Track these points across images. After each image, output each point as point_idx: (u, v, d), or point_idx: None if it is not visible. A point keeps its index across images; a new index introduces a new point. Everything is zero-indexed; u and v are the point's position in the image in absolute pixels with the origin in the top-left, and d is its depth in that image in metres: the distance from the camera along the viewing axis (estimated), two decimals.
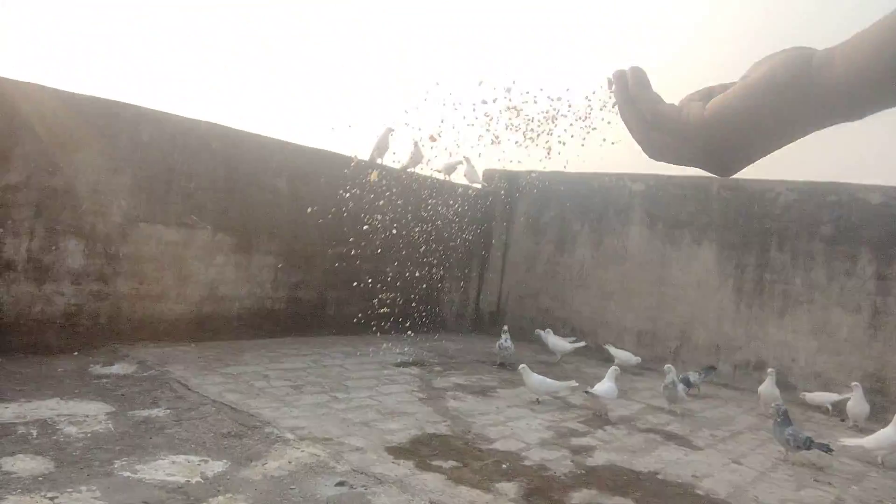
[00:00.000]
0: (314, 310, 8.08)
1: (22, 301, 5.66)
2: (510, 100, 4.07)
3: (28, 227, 5.66)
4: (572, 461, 4.52)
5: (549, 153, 4.62)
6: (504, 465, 4.27)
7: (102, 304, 6.16)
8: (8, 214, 5.56)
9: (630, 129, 0.85)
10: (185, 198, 6.76)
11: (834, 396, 6.94)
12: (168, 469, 3.63)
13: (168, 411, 4.57)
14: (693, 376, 7.16)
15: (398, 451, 4.29)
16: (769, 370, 6.78)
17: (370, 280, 8.80)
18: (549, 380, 6.09)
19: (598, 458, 4.65)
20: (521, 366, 6.11)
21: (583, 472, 4.34)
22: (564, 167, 7.06)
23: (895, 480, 4.97)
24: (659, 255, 9.06)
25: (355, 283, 8.59)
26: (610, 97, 0.92)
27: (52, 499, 3.12)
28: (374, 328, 8.69)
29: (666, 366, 6.30)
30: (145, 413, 4.50)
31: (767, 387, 6.59)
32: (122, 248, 6.30)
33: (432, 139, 5.87)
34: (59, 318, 5.87)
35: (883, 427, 5.33)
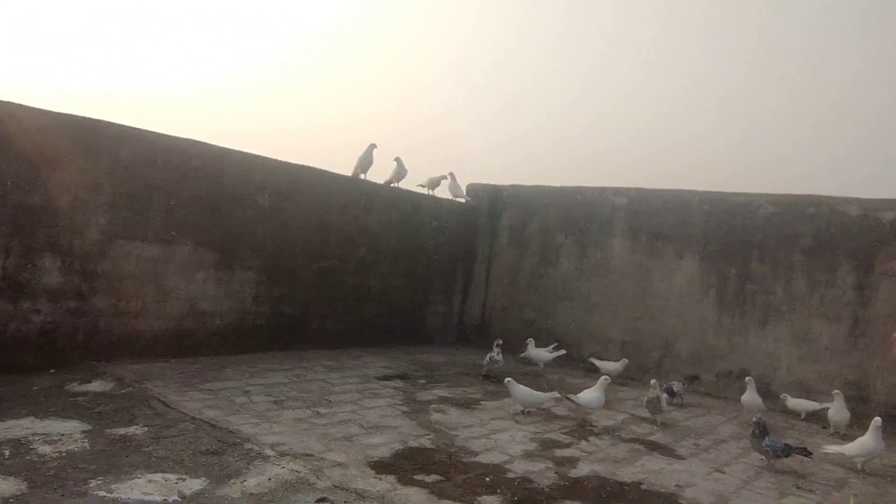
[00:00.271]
0: (297, 324, 8.02)
1: None
2: None
3: (4, 245, 5.58)
4: (556, 473, 4.50)
5: None
6: (487, 479, 4.23)
7: (80, 322, 6.08)
8: None
9: None
10: (166, 214, 6.71)
11: (814, 405, 6.99)
12: (145, 488, 3.56)
13: (146, 429, 4.50)
14: (676, 386, 7.19)
15: (380, 466, 4.24)
16: (747, 378, 6.86)
17: (354, 295, 8.77)
18: (535, 391, 6.08)
19: (582, 469, 4.63)
20: (507, 379, 6.10)
21: (566, 483, 4.32)
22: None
23: (875, 487, 4.99)
24: (642, 268, 9.11)
25: (339, 298, 8.55)
26: None
27: None
28: (358, 342, 8.65)
29: (652, 381, 6.33)
30: (122, 431, 4.42)
31: (749, 395, 6.69)
32: (101, 264, 6.23)
33: None
34: (36, 335, 5.77)
35: (863, 434, 5.36)
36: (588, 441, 5.41)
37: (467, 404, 6.26)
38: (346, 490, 3.74)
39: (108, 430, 4.41)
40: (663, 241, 8.97)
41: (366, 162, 9.11)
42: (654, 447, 5.44)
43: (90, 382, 5.47)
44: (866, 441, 5.23)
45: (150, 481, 3.65)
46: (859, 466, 5.31)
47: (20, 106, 5.71)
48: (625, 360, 8.17)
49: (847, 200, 7.74)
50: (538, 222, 10.22)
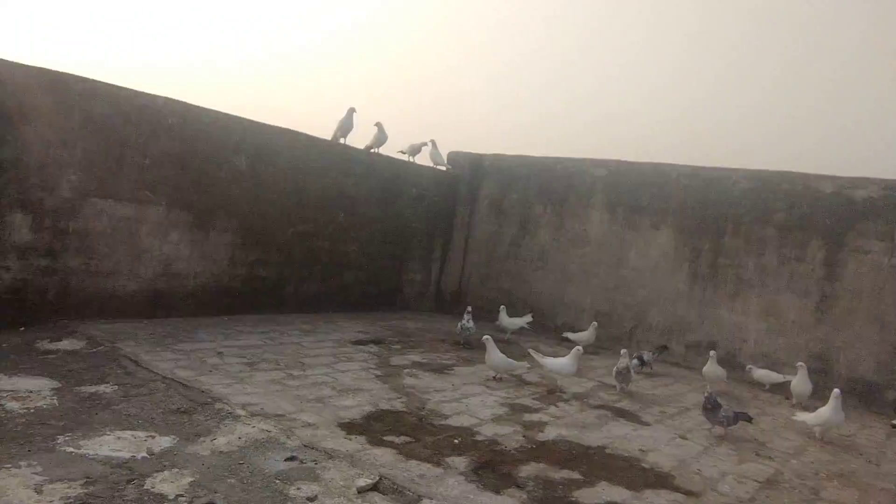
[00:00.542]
0: (273, 288, 8.00)
1: None
2: None
3: None
4: (524, 436, 4.60)
5: None
6: (456, 440, 4.31)
7: (51, 280, 6.01)
8: None
9: None
10: (140, 173, 6.60)
11: (778, 377, 7.16)
12: (113, 444, 3.58)
13: (116, 387, 4.49)
14: (647, 355, 7.33)
15: (351, 427, 4.30)
16: (711, 353, 7.01)
17: (331, 259, 8.75)
18: (508, 358, 6.14)
19: (549, 433, 4.74)
20: (486, 336, 6.14)
21: (533, 446, 4.42)
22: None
23: (831, 455, 5.17)
24: (618, 239, 9.19)
25: (316, 262, 8.54)
26: None
27: None
28: (334, 307, 8.66)
29: (622, 350, 6.44)
30: (92, 389, 4.42)
31: (710, 367, 6.87)
32: (72, 222, 6.14)
33: None
34: (5, 292, 5.70)
35: (824, 405, 5.53)
36: (557, 406, 5.52)
37: (440, 369, 6.33)
38: (316, 449, 3.79)
39: (77, 388, 4.40)
40: (640, 214, 9.04)
41: (346, 126, 9.00)
42: (620, 413, 5.57)
43: (61, 340, 5.44)
44: (824, 411, 5.40)
45: (119, 438, 3.66)
46: (818, 435, 5.48)
47: None
48: (594, 324, 8.21)
49: (821, 178, 7.84)
50: (518, 192, 10.23)
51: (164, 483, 3.18)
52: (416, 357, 6.73)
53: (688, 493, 3.96)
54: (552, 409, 5.44)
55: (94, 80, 6.24)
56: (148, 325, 6.36)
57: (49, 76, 5.92)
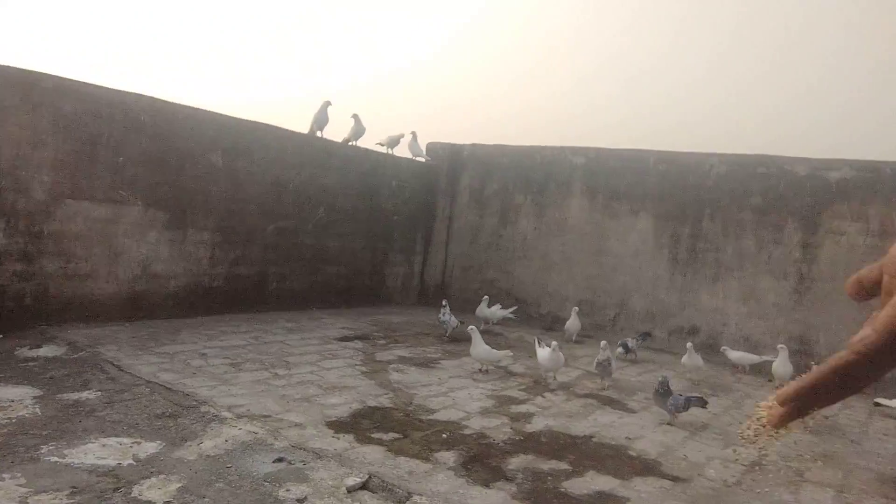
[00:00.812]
0: (254, 286, 7.93)
1: None
2: None
3: None
4: (511, 428, 4.62)
5: None
6: (444, 435, 4.32)
7: (27, 285, 5.89)
8: None
9: None
10: (114, 172, 6.48)
11: (754, 358, 7.26)
12: (98, 452, 3.53)
13: (99, 393, 4.43)
14: (630, 342, 7.40)
15: (338, 426, 4.28)
16: (688, 344, 6.76)
17: (312, 255, 8.70)
18: (492, 349, 6.16)
19: (537, 424, 4.77)
20: (471, 327, 6.14)
21: (521, 438, 4.44)
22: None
23: (816, 436, 5.27)
24: (598, 227, 9.25)
25: (297, 259, 8.48)
26: None
27: None
28: (318, 303, 8.62)
29: (602, 342, 6.23)
30: (75, 396, 4.35)
31: (688, 358, 6.66)
32: (47, 225, 6.01)
33: None
34: None
35: None
36: (543, 397, 5.55)
37: (426, 363, 6.34)
38: (304, 450, 3.77)
39: (59, 396, 4.33)
40: (619, 201, 9.09)
41: (321, 120, 8.93)
42: (606, 402, 5.62)
43: (40, 347, 5.34)
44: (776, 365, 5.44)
45: (104, 446, 3.61)
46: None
47: None
48: (575, 309, 8.17)
49: (796, 160, 7.94)
50: (498, 182, 10.23)
51: (152, 490, 3.14)
52: (401, 352, 6.73)
53: (675, 479, 4.01)
54: (539, 399, 5.47)
55: (62, 77, 6.10)
56: (129, 328, 6.27)
57: (16, 74, 5.77)
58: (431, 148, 10.75)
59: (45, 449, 3.51)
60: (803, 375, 0.76)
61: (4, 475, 3.16)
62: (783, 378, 6.76)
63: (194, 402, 4.36)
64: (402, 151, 10.25)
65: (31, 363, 5.00)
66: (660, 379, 5.21)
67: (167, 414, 4.15)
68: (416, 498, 3.30)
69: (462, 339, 7.10)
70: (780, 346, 6.82)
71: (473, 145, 10.70)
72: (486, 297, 8.58)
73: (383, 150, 10.04)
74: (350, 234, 9.27)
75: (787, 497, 3.93)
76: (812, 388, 0.73)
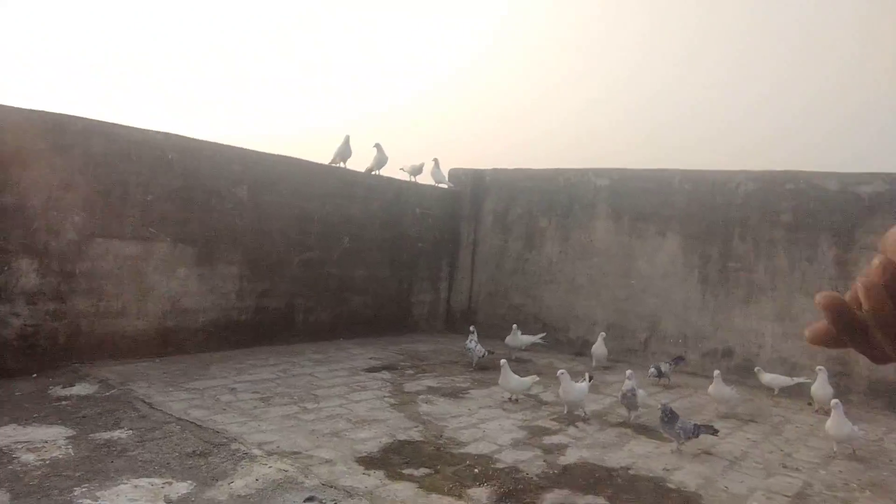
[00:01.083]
0: (282, 318, 7.96)
1: None
2: None
3: None
4: (545, 461, 4.52)
5: None
6: (476, 470, 4.24)
7: (60, 324, 5.98)
8: None
9: None
10: (143, 210, 6.59)
11: (787, 380, 7.03)
12: (130, 494, 3.53)
13: (130, 432, 4.45)
14: (664, 367, 7.24)
15: (369, 462, 4.23)
16: (716, 372, 6.41)
17: (338, 286, 8.72)
18: (519, 378, 6.05)
19: (571, 457, 4.66)
20: (503, 361, 6.06)
21: (555, 471, 4.34)
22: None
23: (862, 463, 5.07)
24: (625, 249, 9.13)
25: (323, 290, 8.50)
26: None
27: None
28: (345, 334, 8.61)
29: (627, 371, 5.98)
30: (107, 435, 4.37)
31: (716, 387, 6.26)
32: (78, 265, 6.12)
33: None
34: (15, 339, 5.68)
35: (846, 409, 5.38)
36: (576, 427, 5.44)
37: (455, 394, 6.26)
38: (335, 488, 3.73)
39: (92, 435, 4.35)
40: (646, 222, 8.98)
41: (344, 153, 9.02)
42: (641, 430, 5.48)
43: (73, 386, 5.40)
44: (830, 424, 5.12)
45: (135, 487, 3.61)
46: (835, 448, 5.24)
47: None
48: (602, 334, 8.00)
49: (826, 175, 7.78)
50: (521, 206, 10.19)
51: None
52: (430, 382, 6.67)
53: None
54: (571, 429, 5.36)
55: (90, 119, 6.25)
56: (159, 363, 6.32)
57: (45, 118, 5.92)
58: (454, 174, 10.77)
59: (77, 491, 3.52)
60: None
61: None
62: (823, 401, 6.54)
63: (225, 440, 4.35)
64: (424, 179, 10.30)
65: (63, 402, 5.04)
66: (660, 406, 5.01)
67: (198, 452, 4.14)
68: None
69: (490, 368, 7.03)
70: (819, 368, 6.61)
71: (495, 170, 10.69)
72: (515, 325, 8.33)
73: (406, 176, 10.09)
74: (375, 263, 9.28)
75: None
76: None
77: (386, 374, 6.81)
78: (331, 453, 4.30)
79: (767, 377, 7.11)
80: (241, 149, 7.57)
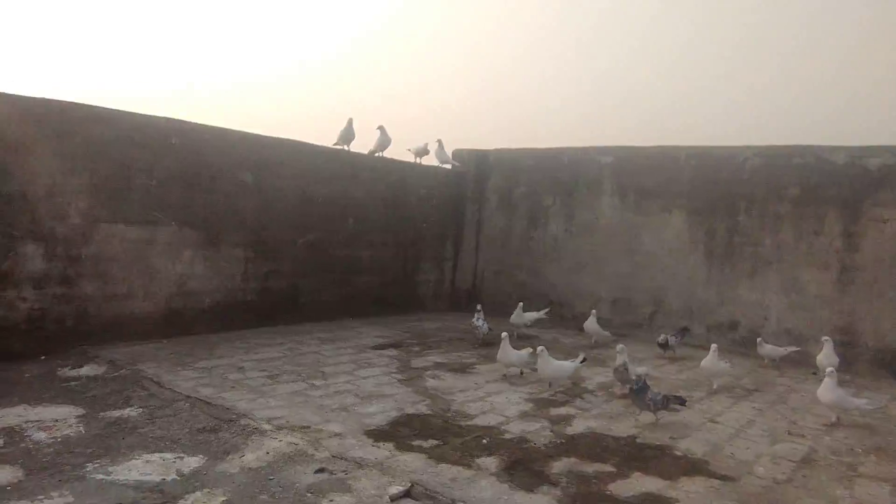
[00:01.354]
0: (287, 299, 7.99)
1: None
2: None
3: None
4: (552, 431, 4.55)
5: None
6: (485, 440, 4.27)
7: (68, 307, 6.02)
8: None
9: None
10: (146, 195, 6.60)
11: (781, 350, 7.09)
12: (142, 469, 3.57)
13: (140, 410, 4.49)
14: (671, 339, 7.25)
15: (378, 435, 4.26)
16: (713, 346, 6.24)
17: (344, 266, 8.74)
18: (517, 352, 5.97)
19: (578, 427, 4.68)
20: (504, 333, 5.99)
21: (562, 441, 4.37)
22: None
23: (866, 429, 5.08)
24: (630, 225, 9.11)
25: (329, 270, 8.52)
26: None
27: None
28: (350, 314, 8.65)
29: (618, 346, 5.86)
30: (117, 413, 4.42)
31: (709, 360, 6.10)
32: (84, 249, 6.14)
33: None
34: (23, 323, 5.72)
35: (851, 378, 5.40)
36: (583, 398, 5.46)
37: (462, 369, 6.29)
38: (345, 459, 3.76)
39: (102, 414, 4.40)
40: (651, 199, 8.95)
41: (347, 136, 8.99)
42: None
43: (82, 367, 5.44)
44: (820, 391, 5.16)
45: (147, 462, 3.65)
46: (833, 419, 5.21)
47: None
48: (593, 311, 7.94)
49: (833, 149, 7.72)
50: (525, 185, 10.17)
51: None
52: (436, 358, 6.70)
53: (724, 477, 3.89)
54: (578, 401, 5.39)
55: (92, 106, 6.24)
56: (167, 345, 6.36)
57: (47, 105, 5.92)
58: (457, 154, 10.73)
59: (90, 467, 3.56)
60: None
61: (53, 493, 3.21)
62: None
63: (234, 416, 4.39)
64: (428, 160, 10.27)
65: (73, 382, 5.09)
66: (634, 377, 4.97)
67: (208, 428, 4.18)
68: None
69: (495, 344, 6.99)
70: (824, 338, 6.62)
71: (499, 150, 10.66)
72: (520, 303, 8.30)
73: (413, 157, 10.04)
74: (380, 243, 9.29)
75: (841, 492, 3.79)
76: None
77: (392, 352, 6.84)
78: (340, 427, 4.33)
79: (767, 348, 7.11)
80: (244, 132, 7.56)
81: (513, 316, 8.01)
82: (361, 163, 9.10)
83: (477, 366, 6.46)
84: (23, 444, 3.81)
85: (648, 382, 4.95)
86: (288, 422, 4.36)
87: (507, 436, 4.40)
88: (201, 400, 4.69)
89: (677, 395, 5.10)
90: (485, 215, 10.61)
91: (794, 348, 7.11)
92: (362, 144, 9.25)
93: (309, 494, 3.32)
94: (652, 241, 8.91)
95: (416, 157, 10.05)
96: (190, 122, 7.02)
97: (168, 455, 3.75)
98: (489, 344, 7.34)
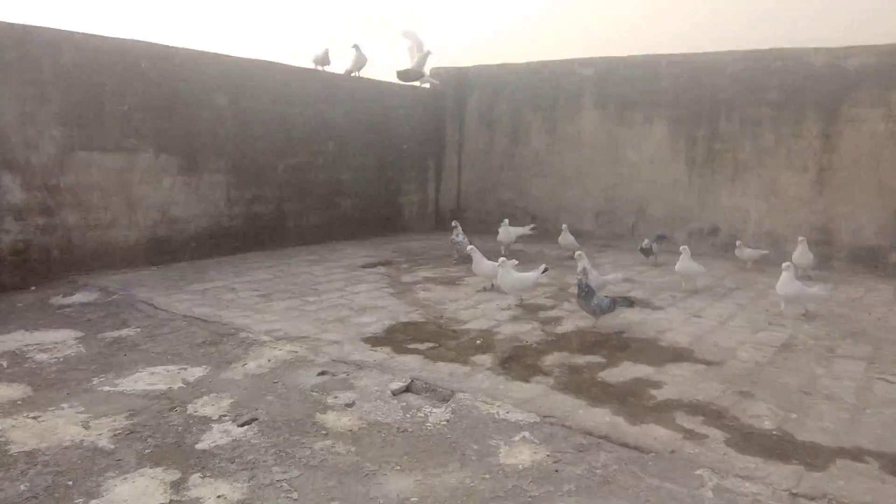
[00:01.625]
0: (272, 223, 7.98)
1: None
2: None
3: None
4: (543, 331, 4.70)
5: None
6: (478, 341, 4.41)
7: (52, 238, 5.96)
8: None
9: None
10: (121, 121, 6.44)
11: (756, 253, 7.23)
12: (148, 380, 3.65)
13: (138, 330, 4.55)
14: (653, 245, 7.40)
15: (374, 341, 4.38)
16: (682, 247, 6.38)
17: (327, 190, 8.69)
18: (492, 263, 5.91)
19: (567, 326, 4.85)
20: (469, 247, 5.98)
21: (553, 338, 4.53)
22: None
23: (843, 319, 5.31)
24: (613, 137, 9.11)
25: (312, 194, 8.48)
26: None
27: (35, 418, 3.13)
28: (336, 236, 8.68)
29: (576, 252, 5.82)
30: (115, 334, 4.47)
31: (681, 263, 6.25)
32: (62, 178, 6.03)
33: None
34: (9, 254, 5.67)
35: (828, 273, 5.56)
36: (570, 302, 5.60)
37: (451, 282, 6.41)
38: (345, 363, 3.88)
39: (100, 335, 4.45)
40: (633, 109, 8.92)
41: (322, 62, 8.75)
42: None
43: (73, 295, 5.45)
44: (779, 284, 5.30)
45: (152, 373, 3.74)
46: (783, 306, 5.39)
47: None
48: (564, 226, 7.93)
49: (814, 51, 7.70)
50: (506, 102, 10.05)
51: (206, 407, 3.27)
52: (425, 273, 6.80)
53: (708, 363, 4.09)
54: (566, 304, 5.54)
55: (59, 30, 6.00)
56: (156, 272, 6.37)
57: (11, 29, 5.67)
58: (435, 73, 10.52)
59: (96, 381, 3.64)
60: None
61: (63, 405, 3.29)
62: (804, 267, 6.77)
63: (232, 330, 4.47)
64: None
65: (66, 309, 5.12)
66: (576, 281, 4.83)
67: (208, 342, 4.26)
68: (459, 395, 3.39)
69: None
70: (800, 238, 6.78)
71: (479, 66, 10.46)
72: (505, 220, 8.23)
73: (393, 79, 9.81)
74: (362, 166, 9.22)
75: (819, 370, 4.00)
76: None
77: (382, 269, 6.93)
78: (337, 336, 4.44)
79: (745, 252, 7.23)
80: (217, 54, 7.33)
81: (500, 233, 7.96)
82: (338, 83, 8.91)
83: (465, 279, 6.57)
84: (26, 365, 3.87)
85: (613, 287, 4.91)
86: (286, 333, 4.45)
87: (500, 337, 4.54)
88: (198, 318, 4.75)
89: (625, 296, 5.04)
90: (466, 134, 10.52)
91: (765, 251, 7.24)
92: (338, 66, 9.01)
93: (314, 393, 3.44)
94: (634, 153, 8.94)
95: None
96: (158, 45, 6.78)
97: (172, 367, 3.84)
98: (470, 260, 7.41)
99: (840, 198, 7.50)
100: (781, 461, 2.79)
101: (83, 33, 6.18)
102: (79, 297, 5.37)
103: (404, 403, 3.34)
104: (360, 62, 9.29)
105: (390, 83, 9.80)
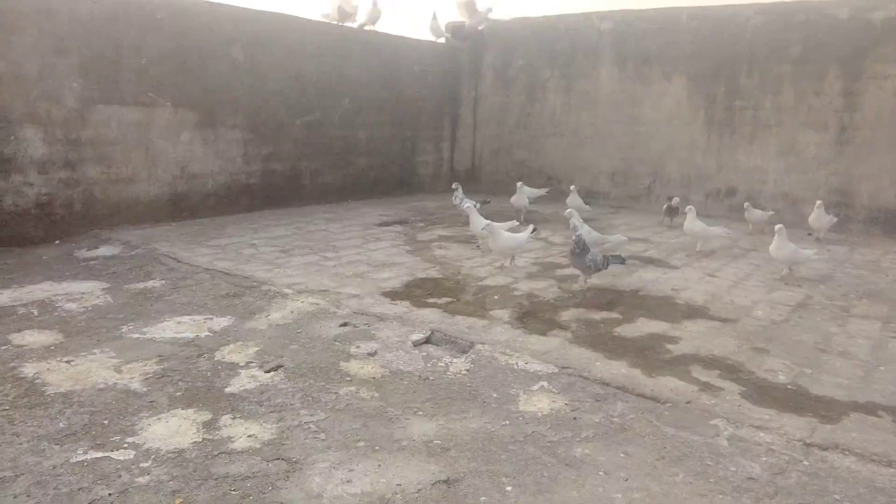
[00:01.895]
0: (289, 181, 8.02)
1: None
2: None
3: None
4: (559, 288, 4.76)
5: None
6: (496, 297, 4.48)
7: (75, 191, 6.05)
8: None
9: None
10: (139, 75, 6.44)
11: (764, 215, 7.13)
12: (175, 328, 3.75)
13: (163, 282, 4.65)
14: (675, 202, 7.36)
15: (394, 295, 4.46)
16: (689, 207, 6.25)
17: (343, 148, 8.70)
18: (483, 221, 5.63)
19: (583, 284, 4.89)
20: (466, 205, 5.85)
21: (569, 295, 4.59)
22: None
23: (858, 279, 5.32)
24: (630, 95, 9.00)
25: (328, 152, 8.49)
26: None
27: (68, 362, 3.24)
28: (352, 195, 8.72)
29: (566, 210, 5.59)
30: (141, 286, 4.57)
31: (689, 222, 6.16)
32: (83, 132, 6.08)
33: None
34: (34, 208, 5.77)
35: (846, 237, 5.54)
36: None
37: (467, 240, 6.45)
38: (366, 315, 3.96)
39: (126, 286, 4.55)
40: (651, 65, 8.78)
41: (341, 16, 8.69)
42: (648, 261, 5.72)
43: (97, 248, 5.56)
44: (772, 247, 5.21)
45: (179, 322, 3.84)
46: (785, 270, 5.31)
47: None
48: (572, 186, 7.77)
49: (837, 3, 7.52)
50: (522, 58, 9.92)
51: (233, 353, 3.36)
52: (441, 232, 6.85)
53: (724, 320, 4.13)
54: None
55: None
56: (176, 227, 6.46)
57: None
58: (450, 28, 10.37)
59: (125, 328, 3.74)
60: None
61: (95, 351, 3.40)
62: (820, 230, 6.76)
63: (255, 283, 4.56)
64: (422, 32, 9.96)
65: (91, 262, 5.22)
66: (573, 238, 4.69)
67: (231, 294, 4.35)
68: (478, 346, 3.47)
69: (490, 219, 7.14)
70: (818, 202, 6.73)
71: (494, 21, 10.29)
72: (519, 182, 7.82)
73: (403, 34, 9.71)
74: (377, 123, 9.19)
75: (834, 329, 4.04)
76: None
77: (398, 228, 6.98)
78: (357, 290, 4.52)
79: (756, 214, 7.18)
80: (233, 6, 7.26)
81: (514, 197, 7.59)
82: (352, 37, 8.82)
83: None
84: (55, 314, 3.97)
85: (587, 245, 4.66)
86: (307, 287, 4.53)
87: (517, 293, 4.61)
88: (220, 272, 4.84)
89: (617, 254, 5.00)
90: (481, 92, 10.42)
91: (771, 212, 7.14)
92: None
93: (336, 343, 3.53)
94: (652, 111, 8.84)
95: (435, 37, 8.97)
96: None
97: (198, 317, 3.94)
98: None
99: (861, 158, 7.41)
100: (795, 413, 2.86)
101: None
102: (103, 251, 5.47)
103: (425, 353, 3.43)
104: (375, 16, 9.18)
105: (406, 38, 9.68)
